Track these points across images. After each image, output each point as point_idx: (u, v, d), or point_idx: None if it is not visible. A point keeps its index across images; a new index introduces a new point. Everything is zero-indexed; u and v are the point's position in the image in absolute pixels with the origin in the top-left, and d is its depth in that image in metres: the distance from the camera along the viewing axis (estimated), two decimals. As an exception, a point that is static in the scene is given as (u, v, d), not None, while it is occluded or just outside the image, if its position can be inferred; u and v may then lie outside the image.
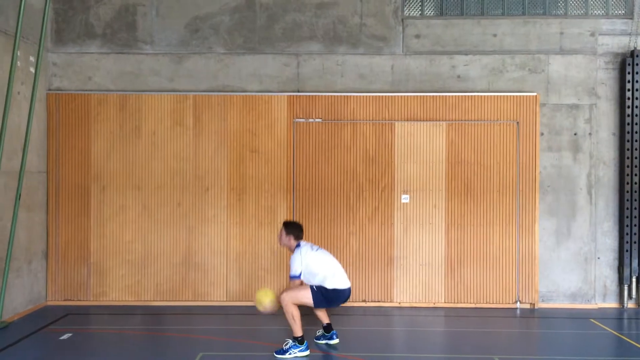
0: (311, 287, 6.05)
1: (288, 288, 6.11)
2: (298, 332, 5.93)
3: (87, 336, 6.71)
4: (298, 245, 6.21)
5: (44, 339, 6.53)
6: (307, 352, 5.94)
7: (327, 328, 6.36)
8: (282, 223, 6.42)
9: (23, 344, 6.33)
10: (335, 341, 6.34)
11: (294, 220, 7.01)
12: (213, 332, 6.90)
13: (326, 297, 6.06)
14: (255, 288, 8.07)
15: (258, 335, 6.73)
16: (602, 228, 8.24)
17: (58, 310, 7.70)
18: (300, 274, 6.08)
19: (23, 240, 7.45)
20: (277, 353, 5.90)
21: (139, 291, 8.09)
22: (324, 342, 6.35)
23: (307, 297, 6.01)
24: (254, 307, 7.94)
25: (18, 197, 7.02)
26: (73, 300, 8.06)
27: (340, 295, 6.11)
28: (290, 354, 5.87)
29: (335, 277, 6.13)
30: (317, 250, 6.24)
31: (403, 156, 8.11)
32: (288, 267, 7.98)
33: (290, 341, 5.94)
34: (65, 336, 6.56)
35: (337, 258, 8.01)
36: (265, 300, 6.04)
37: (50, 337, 6.60)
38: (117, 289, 8.08)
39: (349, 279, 8.07)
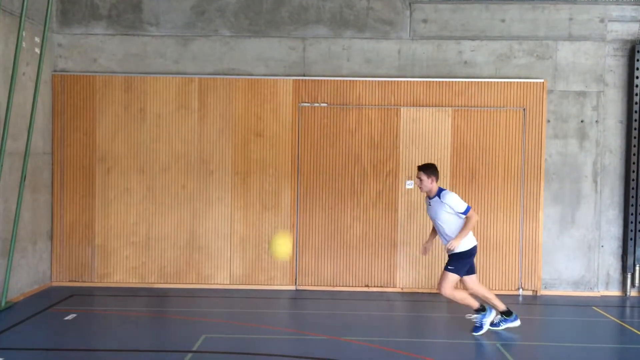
0: (447, 270, 6.09)
1: (439, 284, 6.18)
2: (475, 304, 6.19)
3: (92, 317, 6.77)
4: (442, 189, 6.18)
5: (48, 319, 6.58)
6: (493, 314, 6.23)
7: (508, 313, 6.37)
8: (417, 168, 6.28)
9: (28, 324, 6.38)
10: (517, 322, 6.38)
11: (427, 162, 6.71)
12: (216, 314, 6.94)
13: (465, 259, 6.14)
14: (258, 271, 8.11)
15: (261, 318, 6.77)
16: (606, 216, 8.22)
17: (63, 291, 7.75)
18: (469, 207, 6.09)
19: (28, 221, 7.48)
20: (476, 330, 6.17)
21: (143, 273, 8.13)
22: (504, 327, 6.35)
23: (454, 278, 6.13)
24: (257, 290, 8.02)
25: (23, 178, 7.03)
26: (78, 281, 8.11)
27: (472, 252, 6.21)
28: (484, 325, 6.15)
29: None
30: None
31: (408, 141, 8.09)
32: (292, 250, 8.00)
33: (477, 316, 6.19)
34: (69, 317, 6.61)
35: (340, 242, 8.09)
36: (286, 251, 6.00)
37: (54, 317, 6.65)
38: (122, 270, 8.12)
39: (353, 263, 8.15)
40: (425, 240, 6.74)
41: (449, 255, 6.20)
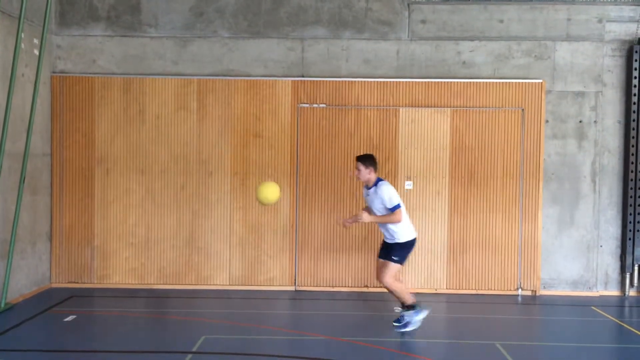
0: (391, 259, 6.13)
1: (379, 273, 6.17)
2: (409, 299, 6.15)
3: (91, 318, 6.77)
4: (380, 179, 6.20)
5: (48, 321, 6.58)
6: (426, 311, 6.18)
7: (411, 307, 6.33)
8: (355, 159, 6.32)
9: (27, 325, 6.38)
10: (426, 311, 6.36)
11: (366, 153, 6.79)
12: (216, 315, 6.95)
13: (406, 250, 6.21)
14: (257, 272, 8.11)
15: (261, 319, 6.77)
16: (605, 216, 8.23)
17: (62, 292, 7.75)
18: (400, 204, 6.09)
19: (27, 223, 7.48)
20: (400, 328, 6.08)
21: (142, 274, 8.13)
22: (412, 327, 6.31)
23: (396, 267, 6.17)
24: (256, 290, 8.03)
25: (22, 179, 7.03)
26: (77, 282, 8.11)
27: (412, 244, 6.27)
28: (409, 325, 6.10)
29: (407, 224, 6.24)
30: None
31: (407, 142, 8.10)
32: (291, 247, 8.01)
33: (405, 312, 6.11)
34: (69, 318, 6.61)
35: (340, 243, 8.10)
36: (273, 198, 6.03)
37: (54, 318, 6.65)
38: (121, 271, 8.12)
39: (352, 264, 8.16)
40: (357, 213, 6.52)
41: (391, 245, 6.20)
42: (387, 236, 6.27)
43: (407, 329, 6.12)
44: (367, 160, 6.23)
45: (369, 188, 6.25)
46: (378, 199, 6.13)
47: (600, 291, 8.21)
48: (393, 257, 6.18)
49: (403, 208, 6.18)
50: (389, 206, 6.09)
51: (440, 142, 8.08)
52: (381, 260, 6.30)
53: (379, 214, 6.17)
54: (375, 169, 6.25)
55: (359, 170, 6.21)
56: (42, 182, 7.87)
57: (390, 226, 6.17)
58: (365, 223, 8.07)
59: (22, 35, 6.84)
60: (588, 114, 8.16)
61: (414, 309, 6.15)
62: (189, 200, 8.11)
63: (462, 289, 8.10)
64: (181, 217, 8.11)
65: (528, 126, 8.06)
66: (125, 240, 8.11)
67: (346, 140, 8.09)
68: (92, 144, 8.10)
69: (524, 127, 8.06)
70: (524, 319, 7.23)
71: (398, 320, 6.17)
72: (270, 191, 6.05)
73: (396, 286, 6.17)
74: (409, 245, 6.25)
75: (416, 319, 6.14)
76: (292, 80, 8.09)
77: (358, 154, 6.62)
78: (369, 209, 6.29)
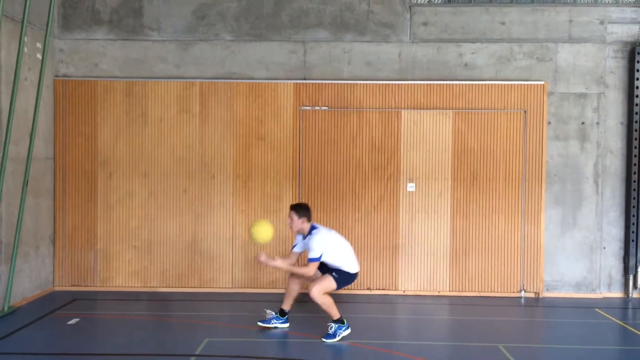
0: (332, 275, 6.15)
1: (313, 282, 6.12)
2: (336, 314, 6.10)
3: (94, 321, 6.78)
4: (314, 227, 6.23)
5: (51, 324, 6.59)
6: (349, 330, 6.12)
7: (284, 313, 6.44)
8: (289, 207, 6.39)
9: (31, 328, 6.40)
10: (287, 325, 6.43)
11: (301, 202, 7.00)
12: (219, 318, 6.95)
13: (346, 280, 6.21)
14: (260, 275, 8.11)
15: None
16: (608, 217, 8.22)
17: (65, 296, 7.76)
18: (320, 257, 6.09)
19: (30, 226, 7.50)
20: (327, 338, 6.01)
21: (145, 277, 8.14)
22: (274, 325, 6.38)
23: (332, 284, 6.14)
24: (259, 294, 8.03)
25: (25, 183, 7.05)
26: (80, 285, 8.12)
27: (353, 278, 6.30)
28: (338, 335, 6.02)
29: (350, 259, 6.26)
30: (330, 231, 6.34)
31: (409, 144, 8.10)
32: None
33: (333, 324, 6.07)
34: (72, 321, 6.62)
35: (342, 246, 8.08)
36: (266, 237, 6.07)
37: (57, 322, 6.66)
38: (124, 274, 8.13)
39: (354, 266, 8.16)
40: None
41: (334, 269, 6.20)
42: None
43: (334, 340, 6.00)
44: (300, 209, 6.24)
45: (304, 237, 6.28)
46: (308, 248, 6.21)
47: (603, 293, 8.20)
48: (334, 274, 6.16)
49: (343, 247, 6.20)
50: (309, 255, 6.12)
51: (442, 144, 8.08)
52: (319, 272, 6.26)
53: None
54: (309, 219, 6.24)
55: (291, 219, 6.23)
56: (45, 186, 7.89)
57: (334, 265, 6.17)
58: (368, 225, 8.07)
59: (25, 39, 6.87)
60: (590, 116, 8.15)
61: (343, 323, 6.10)
62: (191, 203, 8.12)
63: (465, 291, 8.09)
64: (184, 220, 8.12)
65: (530, 128, 8.06)
66: (128, 243, 8.13)
67: (348, 142, 8.10)
68: (94, 147, 8.12)
69: (526, 129, 8.06)
70: (527, 321, 7.22)
71: (327, 335, 6.06)
72: (263, 231, 6.08)
73: (324, 300, 6.07)
74: (351, 277, 6.25)
75: (341, 334, 6.06)
76: (294, 83, 8.10)
77: (292, 203, 6.69)
78: (284, 256, 6.38)
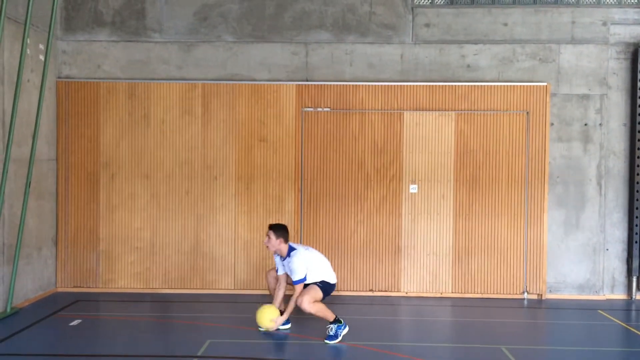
0: (317, 285, 6.27)
1: (299, 294, 6.20)
2: (332, 316, 6.12)
3: (97, 322, 6.78)
4: (292, 248, 6.33)
5: (54, 325, 6.59)
6: (347, 328, 6.13)
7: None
8: (267, 227, 6.46)
9: (33, 329, 6.40)
10: (288, 325, 6.45)
11: (279, 222, 7.01)
12: (221, 319, 6.94)
13: (328, 289, 6.37)
14: (262, 276, 8.11)
15: (265, 324, 6.76)
16: (611, 219, 8.20)
17: (68, 297, 7.77)
18: (305, 277, 6.25)
19: (33, 228, 7.50)
20: (330, 339, 6.00)
21: (147, 279, 8.14)
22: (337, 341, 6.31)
23: (319, 293, 6.25)
24: (261, 295, 8.02)
25: (28, 184, 7.06)
26: (82, 286, 8.12)
27: (333, 288, 6.46)
28: (339, 335, 6.03)
29: (329, 272, 6.42)
30: (308, 249, 6.46)
31: (411, 146, 8.09)
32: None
33: (332, 325, 6.07)
34: (75, 322, 6.63)
35: (344, 247, 8.09)
36: (268, 322, 6.28)
37: (60, 323, 6.66)
38: (126, 276, 8.14)
39: (357, 268, 8.15)
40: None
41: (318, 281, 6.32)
42: None
43: (337, 341, 6.00)
44: (279, 230, 6.30)
45: (283, 259, 6.36)
46: (289, 270, 6.29)
47: (606, 295, 8.17)
48: (318, 284, 6.26)
49: (322, 263, 6.31)
50: (292, 279, 6.23)
51: (444, 145, 8.07)
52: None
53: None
54: (286, 240, 6.31)
55: (269, 237, 6.29)
56: (47, 187, 7.90)
57: (314, 280, 6.28)
58: (370, 227, 8.07)
59: (28, 41, 6.88)
60: (593, 117, 8.14)
61: (340, 322, 6.11)
62: (193, 204, 8.12)
63: (468, 292, 8.08)
64: (186, 221, 8.12)
65: (533, 129, 8.05)
66: (130, 244, 8.13)
67: (351, 144, 8.09)
68: (97, 148, 8.12)
69: (529, 131, 8.05)
70: (529, 323, 7.20)
71: (329, 337, 6.05)
72: (266, 317, 6.28)
73: (316, 308, 6.14)
74: (332, 287, 6.38)
75: (342, 333, 6.06)
76: (296, 85, 8.10)
77: (271, 223, 6.71)
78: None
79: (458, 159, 8.07)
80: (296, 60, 8.19)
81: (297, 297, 6.21)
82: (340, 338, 6.04)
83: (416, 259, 8.10)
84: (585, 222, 8.13)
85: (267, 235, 6.34)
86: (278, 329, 6.38)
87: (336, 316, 6.16)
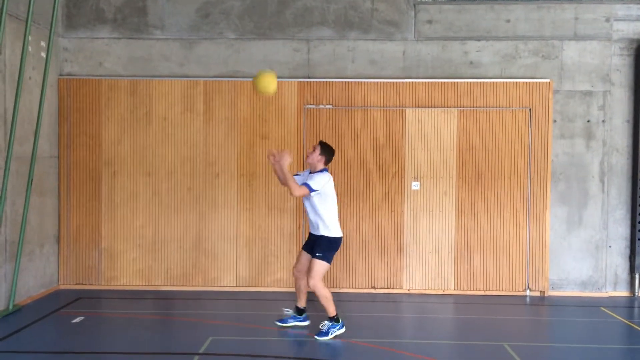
0: (315, 257, 6.02)
1: (307, 274, 6.07)
2: (333, 312, 6.05)
3: (99, 320, 6.78)
4: (325, 170, 6.15)
5: (56, 322, 6.60)
6: (344, 329, 6.07)
7: (300, 311, 6.40)
8: (318, 142, 6.30)
9: (35, 327, 6.41)
10: (306, 323, 6.40)
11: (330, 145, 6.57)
12: (223, 316, 6.95)
13: (331, 247, 6.07)
14: (264, 273, 8.11)
15: (267, 321, 6.76)
16: (614, 216, 8.18)
17: (70, 294, 7.77)
18: (316, 191, 5.97)
19: (35, 225, 7.51)
20: (319, 335, 5.98)
21: (149, 276, 8.14)
22: (292, 323, 6.35)
23: (323, 266, 6.05)
24: (263, 292, 8.03)
25: (30, 182, 7.06)
26: (84, 284, 8.13)
27: (338, 244, 6.15)
28: (331, 333, 5.99)
29: (335, 219, 6.13)
30: (333, 191, 6.19)
31: (413, 143, 8.07)
32: (298, 248, 8.03)
33: (327, 322, 6.04)
34: (77, 319, 6.63)
35: (346, 244, 8.08)
36: (272, 88, 5.88)
37: (62, 320, 6.67)
38: (128, 273, 8.14)
39: (359, 265, 8.14)
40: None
41: (316, 241, 6.06)
42: (314, 225, 6.12)
43: (326, 338, 5.97)
44: (326, 149, 6.17)
45: (310, 173, 6.18)
46: (309, 178, 6.06)
47: (609, 292, 8.16)
48: (317, 254, 6.03)
49: (334, 203, 6.06)
50: (307, 182, 5.95)
51: (447, 142, 8.05)
52: (306, 253, 6.21)
53: (306, 202, 6.10)
54: (326, 162, 6.16)
55: (314, 151, 6.14)
56: (49, 185, 7.90)
57: (321, 212, 6.03)
58: (372, 224, 8.05)
59: (30, 38, 6.88)
60: (596, 114, 8.11)
61: (338, 322, 6.05)
62: (195, 201, 8.12)
63: (470, 290, 8.07)
64: (188, 218, 8.12)
65: (535, 126, 8.02)
66: (132, 242, 8.13)
67: (353, 141, 8.08)
68: (99, 146, 8.12)
69: (532, 127, 8.03)
70: (532, 320, 7.19)
71: (319, 333, 6.03)
72: (267, 81, 5.87)
73: (323, 293, 6.02)
74: (336, 243, 6.10)
75: (335, 332, 6.01)
76: (298, 82, 8.09)
77: (323, 140, 6.46)
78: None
79: (460, 156, 8.05)
80: (298, 57, 8.17)
81: (308, 276, 6.01)
82: (331, 337, 6.00)
83: (418, 256, 8.09)
84: (588, 219, 8.11)
85: (313, 147, 6.18)
86: (295, 326, 6.32)
87: (337, 314, 6.13)
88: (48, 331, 6.31)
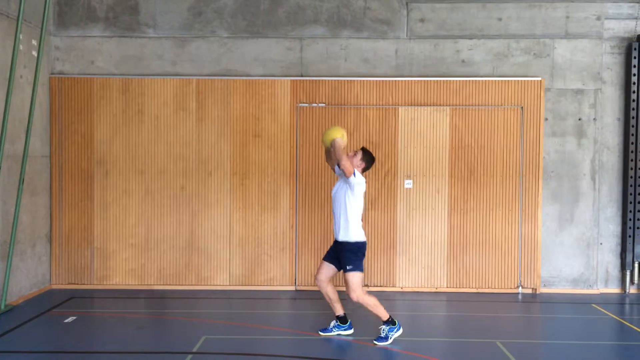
0: (347, 270, 5.91)
1: (349, 288, 5.93)
2: (385, 315, 5.93)
3: (91, 319, 6.76)
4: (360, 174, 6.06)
5: (48, 322, 6.58)
6: (401, 330, 5.97)
7: (344, 319, 6.21)
8: (360, 147, 6.26)
9: (28, 326, 6.38)
10: (350, 331, 6.23)
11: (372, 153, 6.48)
12: (216, 315, 6.94)
13: (358, 253, 5.95)
14: (257, 272, 8.11)
15: (261, 319, 6.77)
16: (605, 214, 8.23)
17: (62, 294, 7.74)
18: (357, 175, 5.88)
19: (27, 224, 7.47)
20: (379, 341, 5.87)
21: (142, 275, 8.12)
22: (336, 332, 6.18)
23: (358, 277, 5.91)
24: (257, 291, 8.03)
25: (21, 181, 7.03)
26: (77, 283, 8.10)
27: (364, 247, 6.02)
28: (390, 338, 5.89)
29: (359, 224, 6.00)
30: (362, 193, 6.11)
31: (406, 141, 8.09)
32: (291, 246, 8.02)
33: (384, 326, 5.92)
34: (69, 319, 6.61)
35: (340, 243, 8.06)
36: (337, 135, 5.95)
37: (54, 320, 6.65)
38: (121, 272, 8.12)
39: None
40: None
41: (342, 254, 5.94)
42: (336, 224, 5.98)
43: (386, 343, 5.89)
44: (367, 155, 6.11)
45: (344, 177, 6.02)
46: (345, 186, 5.96)
47: (600, 289, 8.21)
48: (347, 267, 5.87)
49: (357, 201, 5.94)
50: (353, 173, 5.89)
51: (439, 140, 8.08)
52: (328, 264, 6.08)
53: (335, 201, 6.01)
54: (364, 170, 6.12)
55: (355, 156, 6.06)
56: (41, 184, 7.87)
57: (347, 208, 5.90)
58: (365, 222, 8.06)
59: (21, 37, 6.84)
60: (587, 112, 8.16)
61: (394, 324, 5.96)
62: (188, 200, 8.10)
63: (463, 287, 8.10)
64: (181, 217, 8.11)
65: (527, 124, 8.06)
66: (125, 241, 8.11)
67: (346, 139, 8.06)
68: (91, 145, 8.09)
69: (523, 125, 8.06)
70: (524, 317, 7.23)
71: (379, 338, 5.95)
72: (334, 132, 5.99)
73: (367, 301, 5.92)
74: (361, 248, 5.95)
75: (393, 336, 5.94)
76: (291, 80, 8.09)
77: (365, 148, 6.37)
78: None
79: (453, 154, 8.07)
80: (291, 55, 8.17)
81: (347, 292, 5.90)
82: (390, 341, 5.88)
83: (411, 254, 8.11)
84: (579, 217, 8.16)
85: (355, 151, 6.10)
86: (339, 334, 6.17)
87: (390, 316, 5.95)
88: (40, 331, 6.29)
